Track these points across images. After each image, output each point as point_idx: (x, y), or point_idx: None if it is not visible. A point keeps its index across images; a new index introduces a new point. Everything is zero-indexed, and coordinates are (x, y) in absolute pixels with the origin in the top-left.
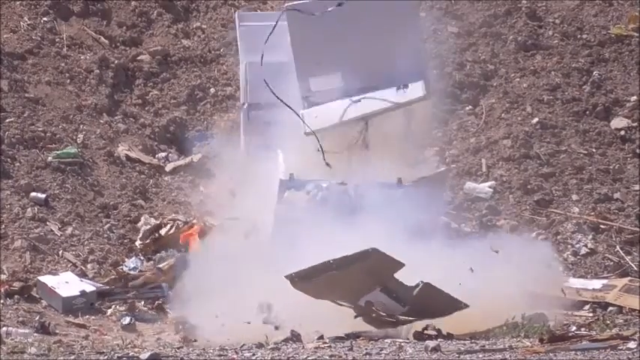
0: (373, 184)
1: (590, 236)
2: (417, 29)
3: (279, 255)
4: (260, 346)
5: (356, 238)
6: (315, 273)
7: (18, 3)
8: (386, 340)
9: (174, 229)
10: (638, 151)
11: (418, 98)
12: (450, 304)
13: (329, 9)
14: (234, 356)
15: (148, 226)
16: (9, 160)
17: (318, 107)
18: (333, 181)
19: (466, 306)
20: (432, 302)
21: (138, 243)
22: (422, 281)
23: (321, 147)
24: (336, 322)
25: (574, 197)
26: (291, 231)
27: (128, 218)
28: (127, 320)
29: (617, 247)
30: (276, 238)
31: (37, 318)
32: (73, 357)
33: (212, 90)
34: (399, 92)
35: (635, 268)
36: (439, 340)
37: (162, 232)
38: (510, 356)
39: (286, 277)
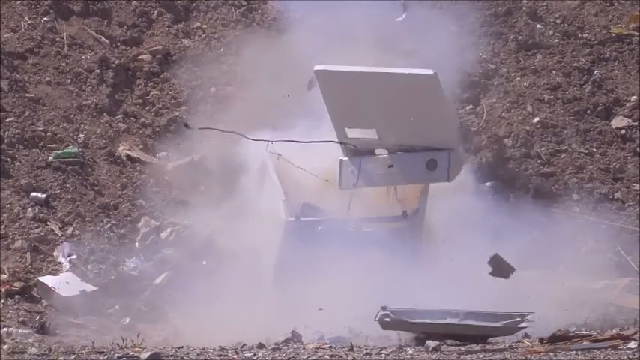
0: (380, 218)
1: (591, 236)
2: (441, 100)
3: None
4: (261, 346)
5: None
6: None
7: (18, 2)
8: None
9: (174, 233)
10: (638, 150)
11: (441, 180)
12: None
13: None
14: (235, 356)
15: (148, 229)
16: (9, 159)
17: (355, 162)
18: (344, 218)
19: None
20: None
21: (137, 244)
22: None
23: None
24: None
25: (575, 197)
26: (295, 277)
27: (129, 218)
28: (126, 320)
29: (618, 247)
30: (278, 286)
31: (37, 318)
32: (73, 357)
33: (212, 89)
34: (427, 170)
35: (636, 268)
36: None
37: (163, 235)
38: (511, 356)
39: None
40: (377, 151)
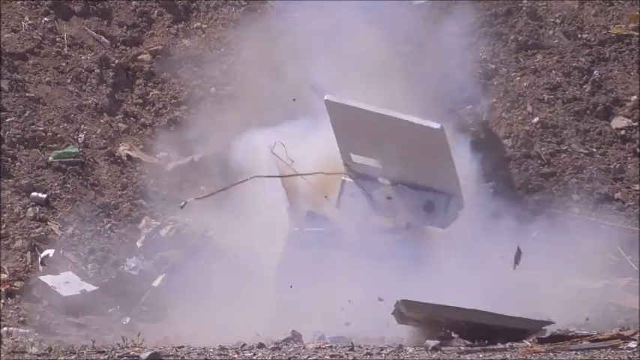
0: (383, 229)
1: (591, 236)
2: (445, 153)
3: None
4: (261, 346)
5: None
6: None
7: (19, 3)
8: (386, 340)
9: (174, 230)
10: (638, 150)
11: (436, 225)
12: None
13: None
14: (235, 356)
15: (150, 229)
16: (10, 159)
17: (358, 185)
18: (347, 228)
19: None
20: None
21: (139, 244)
22: None
23: None
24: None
25: (574, 197)
26: (297, 283)
27: (129, 218)
28: (127, 320)
29: (618, 247)
30: (279, 291)
31: (37, 318)
32: (73, 357)
33: (212, 89)
34: (424, 212)
35: (636, 268)
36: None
37: (162, 232)
38: (510, 356)
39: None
40: (380, 179)
